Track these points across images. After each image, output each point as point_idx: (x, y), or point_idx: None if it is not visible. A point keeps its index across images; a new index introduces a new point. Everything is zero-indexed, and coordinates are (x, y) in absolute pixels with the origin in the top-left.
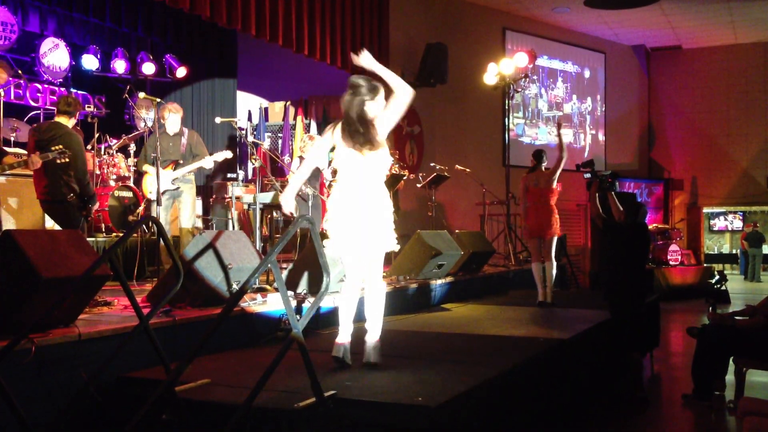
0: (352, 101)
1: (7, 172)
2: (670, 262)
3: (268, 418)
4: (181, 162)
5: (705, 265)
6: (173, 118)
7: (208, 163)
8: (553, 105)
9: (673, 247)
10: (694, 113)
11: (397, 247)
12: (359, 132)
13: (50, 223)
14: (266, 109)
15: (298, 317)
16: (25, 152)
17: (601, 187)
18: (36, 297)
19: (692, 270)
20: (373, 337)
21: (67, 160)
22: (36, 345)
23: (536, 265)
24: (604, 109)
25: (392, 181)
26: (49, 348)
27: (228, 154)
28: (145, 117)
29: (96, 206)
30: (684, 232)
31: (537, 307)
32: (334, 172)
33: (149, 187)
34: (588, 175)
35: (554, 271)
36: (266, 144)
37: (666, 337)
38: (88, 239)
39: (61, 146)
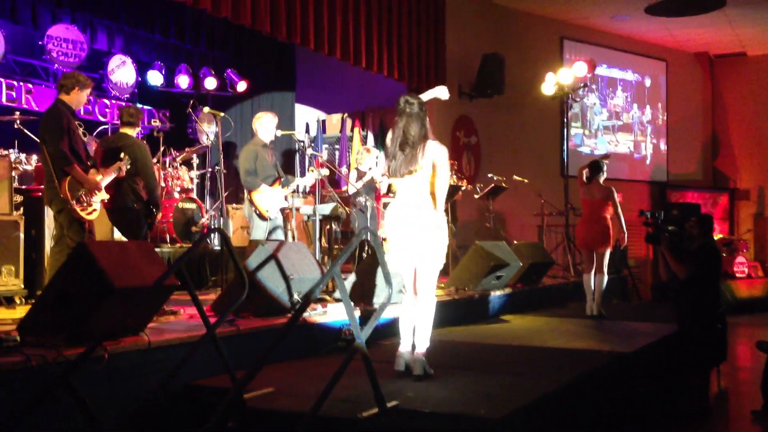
0: (408, 121)
1: None
2: (737, 275)
3: (332, 428)
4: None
5: None
6: (271, 120)
7: (307, 181)
8: (612, 114)
9: (740, 259)
10: (761, 121)
11: (441, 265)
12: (407, 153)
13: (117, 235)
14: (324, 121)
15: (360, 328)
16: None
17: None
18: (108, 306)
19: (760, 282)
20: (419, 350)
21: (128, 166)
22: (108, 352)
23: (587, 276)
24: (665, 117)
25: (450, 192)
26: (120, 355)
27: (324, 172)
28: (207, 131)
29: (159, 215)
30: (751, 244)
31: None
32: (388, 188)
33: (264, 205)
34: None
35: (604, 284)
36: (324, 156)
37: (733, 351)
38: None
39: (120, 161)
